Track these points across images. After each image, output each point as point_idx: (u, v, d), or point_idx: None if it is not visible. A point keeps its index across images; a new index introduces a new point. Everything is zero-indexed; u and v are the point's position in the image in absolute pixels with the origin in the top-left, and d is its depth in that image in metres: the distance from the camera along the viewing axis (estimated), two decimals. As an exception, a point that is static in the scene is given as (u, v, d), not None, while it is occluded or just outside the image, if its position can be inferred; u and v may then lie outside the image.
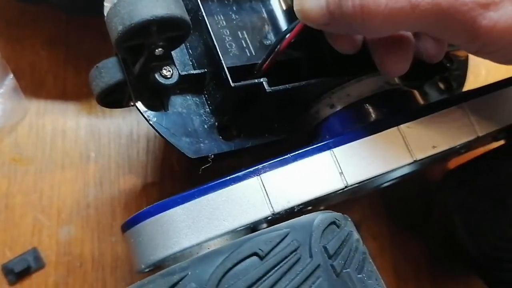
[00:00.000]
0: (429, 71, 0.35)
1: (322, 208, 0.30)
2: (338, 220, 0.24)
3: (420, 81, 0.35)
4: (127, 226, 0.26)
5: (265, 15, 0.31)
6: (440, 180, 0.35)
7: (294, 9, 0.25)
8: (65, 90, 0.38)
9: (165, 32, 0.23)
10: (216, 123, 0.27)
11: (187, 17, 0.23)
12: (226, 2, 0.30)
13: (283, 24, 0.31)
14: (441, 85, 0.37)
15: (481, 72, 0.44)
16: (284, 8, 0.31)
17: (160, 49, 0.24)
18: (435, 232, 0.38)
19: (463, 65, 0.39)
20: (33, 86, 0.37)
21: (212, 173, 0.28)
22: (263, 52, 0.29)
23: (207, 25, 0.26)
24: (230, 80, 0.25)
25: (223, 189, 0.25)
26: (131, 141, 0.38)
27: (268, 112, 0.29)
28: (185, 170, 0.37)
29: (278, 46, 0.27)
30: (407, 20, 0.22)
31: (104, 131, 0.37)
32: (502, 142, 0.33)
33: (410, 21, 0.22)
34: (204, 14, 0.26)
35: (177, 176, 0.37)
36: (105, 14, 0.27)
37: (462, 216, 0.32)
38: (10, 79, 0.36)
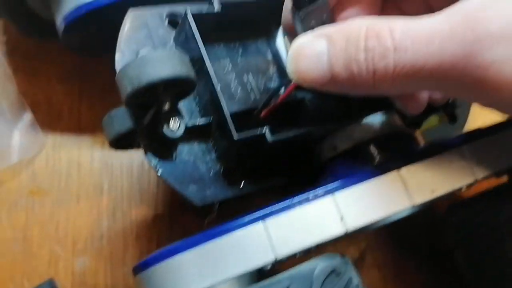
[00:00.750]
0: (431, 107, 0.36)
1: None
2: (338, 267, 0.25)
3: (422, 117, 0.36)
4: (138, 269, 0.27)
5: (270, 56, 0.32)
6: (444, 212, 0.36)
7: (287, 69, 0.25)
8: (80, 123, 0.39)
9: (171, 89, 0.25)
10: (222, 169, 0.28)
11: (192, 74, 0.25)
12: (232, 45, 0.31)
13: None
14: (444, 118, 0.38)
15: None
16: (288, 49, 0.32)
17: (167, 105, 0.25)
18: (440, 265, 0.39)
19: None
20: (49, 120, 0.39)
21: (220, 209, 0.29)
22: (267, 95, 0.30)
23: (211, 78, 0.27)
24: (234, 133, 0.26)
25: (229, 235, 0.26)
26: (142, 173, 0.39)
27: (272, 156, 0.30)
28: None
29: (276, 97, 0.28)
30: (416, 82, 0.22)
31: (117, 163, 0.39)
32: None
33: (419, 83, 0.22)
34: (208, 66, 0.27)
35: (187, 206, 0.39)
36: (116, 65, 0.28)
37: (463, 252, 0.33)
38: (27, 115, 0.38)
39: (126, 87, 0.23)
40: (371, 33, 0.22)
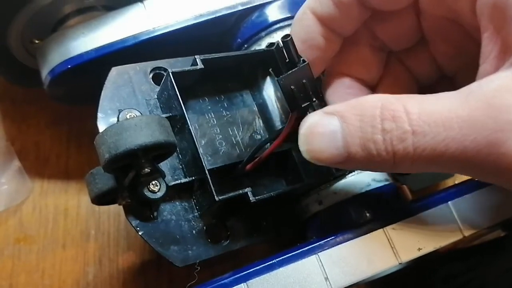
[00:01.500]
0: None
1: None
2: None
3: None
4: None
5: (255, 108, 0.32)
6: (435, 262, 0.35)
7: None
8: (67, 168, 0.39)
9: (150, 153, 0.24)
10: (204, 227, 0.28)
11: (171, 139, 0.24)
12: (217, 98, 0.31)
13: (274, 116, 0.32)
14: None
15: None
16: (276, 103, 0.32)
17: (146, 169, 0.25)
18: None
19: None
20: (37, 166, 0.39)
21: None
22: (252, 149, 0.30)
23: (193, 137, 0.27)
24: (215, 195, 0.26)
25: (211, 297, 0.26)
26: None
27: (255, 212, 0.30)
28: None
29: (262, 151, 0.28)
30: (437, 164, 0.22)
31: (104, 209, 0.39)
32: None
33: (441, 165, 0.22)
34: (189, 127, 0.27)
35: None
36: (98, 124, 0.28)
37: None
38: (15, 162, 0.38)
39: (104, 154, 0.23)
40: (387, 114, 0.22)
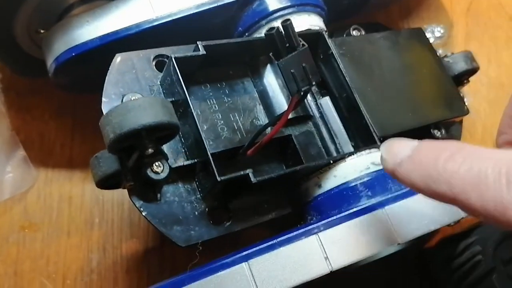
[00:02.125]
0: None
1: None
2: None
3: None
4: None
5: (256, 94, 0.33)
6: (434, 246, 0.36)
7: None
8: (71, 158, 0.40)
9: (154, 134, 0.25)
10: (207, 209, 0.29)
11: (174, 120, 0.25)
12: (219, 85, 0.32)
13: (274, 102, 0.33)
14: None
15: (478, 130, 0.44)
16: (277, 90, 0.33)
17: (150, 149, 0.25)
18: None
19: (457, 128, 0.40)
20: (41, 155, 0.40)
21: (214, 243, 0.29)
22: (253, 134, 0.30)
23: (195, 120, 0.27)
24: (217, 175, 0.26)
25: (212, 276, 0.26)
26: (133, 207, 0.39)
27: (257, 194, 0.30)
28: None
29: (263, 136, 0.28)
30: None
31: (108, 197, 0.39)
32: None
33: None
34: (192, 110, 0.27)
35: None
36: (102, 108, 0.29)
37: (453, 286, 0.33)
38: (20, 151, 0.38)
39: (109, 134, 0.24)
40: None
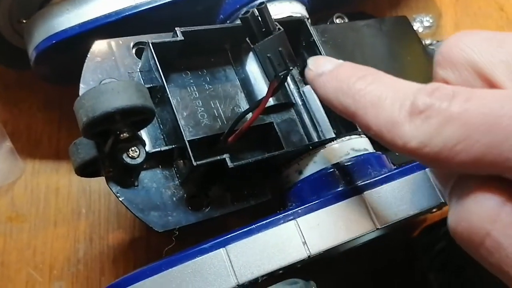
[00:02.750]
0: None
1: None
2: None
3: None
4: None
5: (238, 82, 0.33)
6: (417, 235, 0.36)
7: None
8: (58, 149, 0.40)
9: (129, 118, 0.25)
10: (185, 195, 0.29)
11: (148, 104, 0.25)
12: (200, 73, 0.32)
13: (256, 90, 0.33)
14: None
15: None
16: (258, 78, 0.33)
17: (125, 134, 0.25)
18: (417, 286, 0.39)
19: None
20: (29, 147, 0.40)
21: (193, 232, 0.29)
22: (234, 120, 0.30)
23: (172, 105, 0.27)
24: (193, 160, 0.26)
25: (190, 262, 0.26)
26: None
27: (236, 181, 0.30)
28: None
29: (243, 122, 0.28)
30: None
31: (95, 187, 0.39)
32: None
33: None
34: (168, 95, 0.27)
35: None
36: (79, 94, 0.29)
37: (435, 273, 0.33)
38: (7, 143, 0.38)
39: (82, 117, 0.24)
40: None
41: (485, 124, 0.18)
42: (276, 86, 0.29)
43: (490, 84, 0.20)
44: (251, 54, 0.33)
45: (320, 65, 0.25)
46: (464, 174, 0.20)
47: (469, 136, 0.18)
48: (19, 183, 0.39)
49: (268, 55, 0.27)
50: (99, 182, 0.39)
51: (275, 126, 0.32)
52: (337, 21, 0.37)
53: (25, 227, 0.38)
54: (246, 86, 0.33)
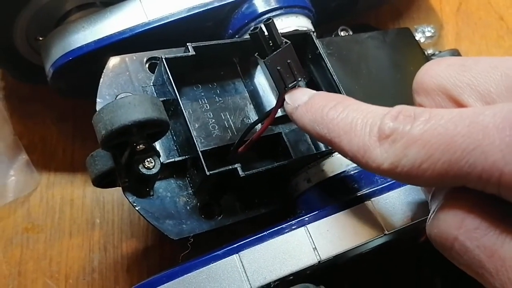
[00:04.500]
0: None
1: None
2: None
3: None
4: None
5: (247, 94, 0.34)
6: (423, 239, 0.36)
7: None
8: (73, 161, 0.41)
9: (144, 130, 0.26)
10: (198, 204, 0.30)
11: (163, 116, 0.26)
12: (210, 86, 0.33)
13: (264, 101, 0.34)
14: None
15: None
16: (266, 89, 0.34)
17: (141, 145, 0.26)
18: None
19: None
20: (44, 159, 0.41)
21: (206, 239, 0.30)
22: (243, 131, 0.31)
23: (185, 118, 0.28)
24: (206, 169, 0.27)
25: (204, 268, 0.27)
26: (132, 207, 0.40)
27: (247, 190, 0.31)
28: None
29: (253, 133, 0.29)
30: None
31: (108, 198, 0.40)
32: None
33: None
34: (182, 107, 0.28)
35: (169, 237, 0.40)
36: (97, 109, 0.30)
37: (440, 278, 0.33)
38: (22, 155, 0.40)
39: (101, 130, 0.25)
40: None
41: (443, 143, 0.19)
42: (285, 98, 0.30)
43: (460, 105, 0.22)
44: (259, 67, 0.34)
45: (296, 99, 0.27)
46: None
47: (431, 155, 0.20)
48: (34, 194, 0.40)
49: (278, 68, 0.28)
50: (112, 193, 0.41)
51: (284, 136, 0.33)
52: (342, 33, 0.38)
53: (41, 237, 0.39)
54: (255, 97, 0.34)
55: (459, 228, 0.20)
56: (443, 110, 0.21)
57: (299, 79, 0.28)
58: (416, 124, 0.20)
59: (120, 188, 0.38)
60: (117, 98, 0.29)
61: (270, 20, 0.27)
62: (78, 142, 0.42)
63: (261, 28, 0.28)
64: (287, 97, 0.28)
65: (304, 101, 0.26)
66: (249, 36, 0.32)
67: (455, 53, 0.39)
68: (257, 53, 0.30)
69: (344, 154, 0.24)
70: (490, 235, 0.19)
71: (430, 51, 0.44)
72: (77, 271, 0.38)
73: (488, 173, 0.18)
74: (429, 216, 0.22)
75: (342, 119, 0.24)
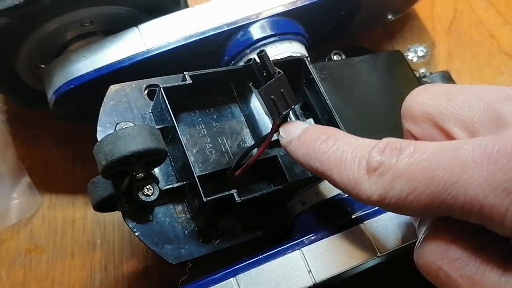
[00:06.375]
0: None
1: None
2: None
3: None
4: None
5: (243, 118, 0.35)
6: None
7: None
8: (74, 183, 0.42)
9: (143, 159, 0.27)
10: (196, 228, 0.31)
11: (161, 146, 0.27)
12: (207, 111, 0.34)
13: (260, 125, 0.35)
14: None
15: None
16: (262, 114, 0.35)
17: (140, 174, 0.27)
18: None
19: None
20: (45, 181, 0.42)
21: (203, 262, 0.31)
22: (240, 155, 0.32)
23: (182, 145, 0.29)
24: (203, 195, 0.28)
25: (203, 291, 0.28)
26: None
27: (244, 213, 0.32)
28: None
29: (249, 157, 0.30)
30: None
31: (109, 219, 0.41)
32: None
33: None
34: (179, 136, 0.29)
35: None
36: (98, 137, 0.31)
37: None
38: (25, 178, 0.41)
39: (101, 160, 0.26)
40: None
41: (426, 177, 0.20)
42: (279, 124, 0.31)
43: (446, 134, 0.23)
44: (254, 92, 0.35)
45: (290, 132, 0.28)
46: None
47: (416, 188, 0.21)
48: (37, 216, 0.41)
49: (271, 97, 0.29)
50: (113, 214, 0.41)
51: (279, 159, 0.34)
52: (335, 57, 0.40)
53: (44, 258, 0.40)
54: (251, 122, 0.35)
55: (442, 258, 0.21)
56: (427, 143, 0.22)
57: (292, 106, 0.29)
58: (401, 158, 0.21)
59: (117, 210, 0.39)
60: (116, 127, 0.30)
61: (264, 52, 0.28)
62: (79, 164, 0.43)
63: (254, 59, 0.29)
64: (281, 130, 0.29)
65: (297, 135, 0.27)
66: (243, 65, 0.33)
67: (445, 74, 0.40)
68: (251, 83, 0.31)
69: (336, 186, 0.25)
70: (471, 265, 0.20)
71: (422, 71, 0.45)
72: (79, 291, 0.39)
73: (469, 205, 0.19)
74: (416, 244, 0.23)
75: (333, 152, 0.25)
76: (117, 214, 0.41)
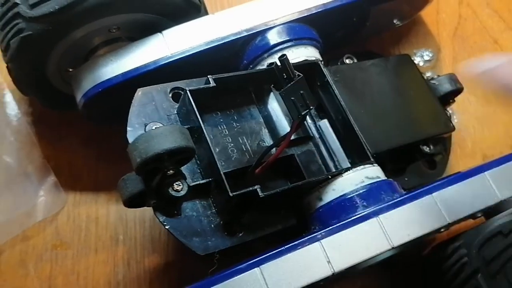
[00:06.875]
0: (411, 157, 0.40)
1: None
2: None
3: (403, 165, 0.40)
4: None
5: (261, 119, 0.37)
6: (427, 254, 0.39)
7: None
8: (97, 182, 0.44)
9: (174, 157, 0.29)
10: (221, 222, 0.32)
11: (191, 144, 0.29)
12: (228, 112, 0.36)
13: (278, 126, 0.37)
14: (425, 167, 0.42)
15: (467, 144, 0.48)
16: (279, 114, 0.37)
17: (171, 170, 0.29)
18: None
19: (447, 143, 0.44)
20: (70, 180, 0.44)
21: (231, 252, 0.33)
22: (260, 154, 0.34)
23: (208, 144, 0.31)
24: (229, 191, 0.30)
25: (229, 281, 0.30)
26: (154, 224, 0.43)
27: (266, 208, 0.34)
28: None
29: (269, 156, 0.32)
30: None
31: (131, 216, 0.43)
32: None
33: None
34: (206, 136, 0.31)
35: (196, 253, 0.42)
36: (128, 136, 0.33)
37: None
38: (51, 177, 0.42)
39: (136, 158, 0.28)
40: None
41: None
42: (298, 123, 0.33)
43: None
44: (272, 94, 0.37)
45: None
46: None
47: None
48: (62, 213, 0.43)
49: (292, 98, 0.31)
50: (135, 211, 0.43)
51: (296, 158, 0.36)
52: (347, 61, 0.42)
53: (69, 253, 0.42)
54: (269, 122, 0.37)
55: None
56: None
57: (311, 107, 0.31)
58: None
59: (145, 205, 0.41)
60: (146, 127, 0.32)
61: (285, 56, 0.30)
62: (102, 164, 0.45)
63: (276, 63, 0.31)
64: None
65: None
66: (263, 67, 0.35)
67: (453, 77, 0.42)
68: (272, 85, 0.33)
69: None
70: None
71: (428, 74, 0.47)
72: (103, 285, 0.41)
73: None
74: None
75: None
76: (138, 211, 0.43)
